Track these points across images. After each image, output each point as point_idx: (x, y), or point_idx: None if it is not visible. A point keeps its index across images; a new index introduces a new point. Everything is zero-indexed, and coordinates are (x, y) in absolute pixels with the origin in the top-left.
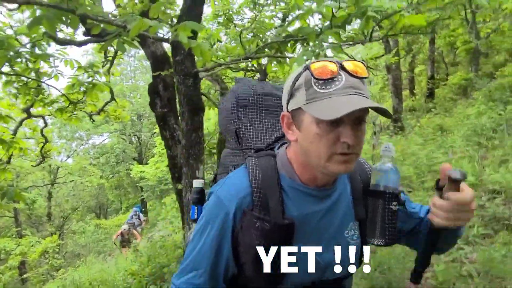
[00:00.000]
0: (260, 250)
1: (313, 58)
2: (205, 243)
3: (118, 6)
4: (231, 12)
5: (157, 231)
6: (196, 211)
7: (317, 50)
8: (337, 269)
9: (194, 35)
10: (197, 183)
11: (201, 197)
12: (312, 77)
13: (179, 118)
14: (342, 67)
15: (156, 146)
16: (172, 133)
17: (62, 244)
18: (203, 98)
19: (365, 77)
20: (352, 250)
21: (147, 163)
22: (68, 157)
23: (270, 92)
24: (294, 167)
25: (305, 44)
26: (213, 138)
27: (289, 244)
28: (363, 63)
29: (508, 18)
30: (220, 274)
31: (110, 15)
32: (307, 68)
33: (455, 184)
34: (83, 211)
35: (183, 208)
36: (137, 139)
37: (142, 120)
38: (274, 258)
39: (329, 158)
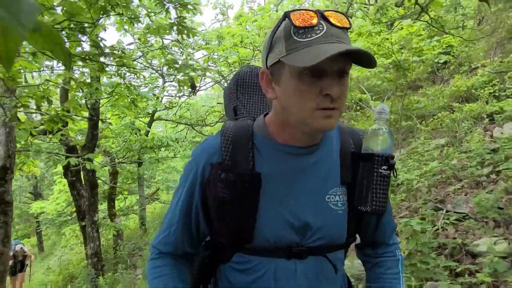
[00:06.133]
0: (225, 201)
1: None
2: (178, 201)
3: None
4: None
5: (59, 257)
6: None
7: None
8: (318, 235)
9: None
10: None
11: None
12: (292, 26)
13: (83, 183)
14: (322, 17)
15: (56, 184)
16: (78, 192)
17: None
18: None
19: (347, 28)
20: (335, 216)
21: (41, 195)
22: None
23: None
24: (271, 129)
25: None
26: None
27: (256, 198)
28: (344, 15)
29: None
30: (192, 231)
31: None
32: (286, 16)
33: None
34: None
35: (85, 236)
36: (33, 174)
37: None
38: (240, 212)
39: (311, 114)
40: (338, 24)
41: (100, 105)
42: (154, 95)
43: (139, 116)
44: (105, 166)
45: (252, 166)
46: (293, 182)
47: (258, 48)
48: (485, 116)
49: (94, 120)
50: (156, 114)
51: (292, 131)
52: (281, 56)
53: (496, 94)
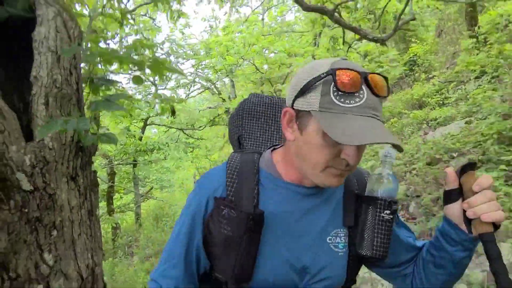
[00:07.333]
0: (226, 238)
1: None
2: (179, 233)
3: None
4: None
5: None
6: None
7: None
8: (317, 277)
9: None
10: None
11: None
12: (333, 85)
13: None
14: (365, 80)
15: None
16: None
17: None
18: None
19: (385, 97)
20: (335, 258)
21: None
22: None
23: (277, 103)
24: (278, 166)
25: None
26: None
27: (257, 237)
28: (386, 80)
29: None
30: (193, 265)
31: None
32: (332, 73)
33: (471, 173)
34: None
35: None
36: None
37: None
38: (240, 250)
39: (324, 170)
40: (378, 93)
41: (100, 113)
42: (147, 101)
43: (134, 122)
44: (104, 168)
45: (256, 204)
46: (296, 222)
47: (242, 57)
48: (425, 122)
49: None
50: (149, 119)
51: (300, 175)
52: (313, 109)
53: (441, 102)
